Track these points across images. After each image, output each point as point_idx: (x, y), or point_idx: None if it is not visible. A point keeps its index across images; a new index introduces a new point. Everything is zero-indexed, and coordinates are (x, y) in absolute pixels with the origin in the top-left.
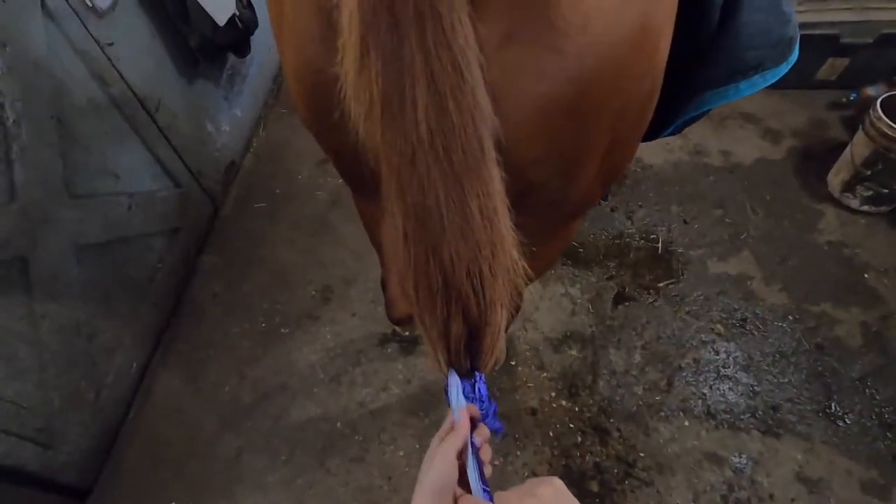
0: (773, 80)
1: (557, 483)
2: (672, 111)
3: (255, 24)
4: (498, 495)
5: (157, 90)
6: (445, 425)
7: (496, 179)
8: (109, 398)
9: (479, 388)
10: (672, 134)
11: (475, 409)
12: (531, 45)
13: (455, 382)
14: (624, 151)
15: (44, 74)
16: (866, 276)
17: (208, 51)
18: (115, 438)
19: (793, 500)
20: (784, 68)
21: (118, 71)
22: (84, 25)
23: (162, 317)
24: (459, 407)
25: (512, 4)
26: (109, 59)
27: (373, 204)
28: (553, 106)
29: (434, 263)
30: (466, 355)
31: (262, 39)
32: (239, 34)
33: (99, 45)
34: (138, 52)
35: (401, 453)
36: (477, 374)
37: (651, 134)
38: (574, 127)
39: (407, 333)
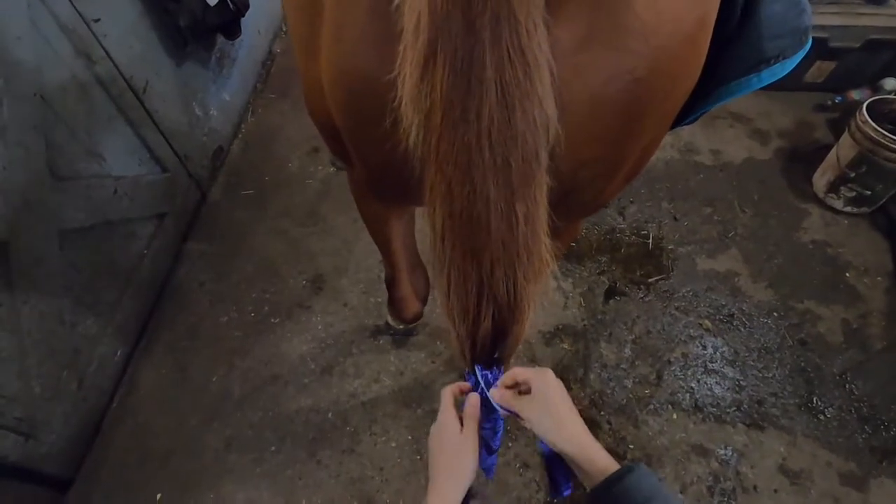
0: (791, 67)
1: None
2: (697, 101)
3: (247, 6)
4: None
5: (145, 70)
6: (460, 386)
7: (544, 187)
8: (92, 387)
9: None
10: (686, 124)
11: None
12: (606, 48)
13: (476, 374)
14: (654, 148)
15: (27, 51)
16: (848, 274)
17: (197, 31)
18: (98, 429)
19: (775, 490)
20: (800, 55)
21: (104, 49)
22: (69, 0)
23: (147, 305)
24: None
25: (588, 6)
26: (95, 35)
27: (386, 205)
28: (617, 107)
29: (473, 266)
30: (491, 350)
31: (253, 22)
32: (230, 15)
33: (84, 21)
34: (125, 29)
35: (393, 444)
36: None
37: (673, 124)
38: (630, 127)
39: (401, 327)
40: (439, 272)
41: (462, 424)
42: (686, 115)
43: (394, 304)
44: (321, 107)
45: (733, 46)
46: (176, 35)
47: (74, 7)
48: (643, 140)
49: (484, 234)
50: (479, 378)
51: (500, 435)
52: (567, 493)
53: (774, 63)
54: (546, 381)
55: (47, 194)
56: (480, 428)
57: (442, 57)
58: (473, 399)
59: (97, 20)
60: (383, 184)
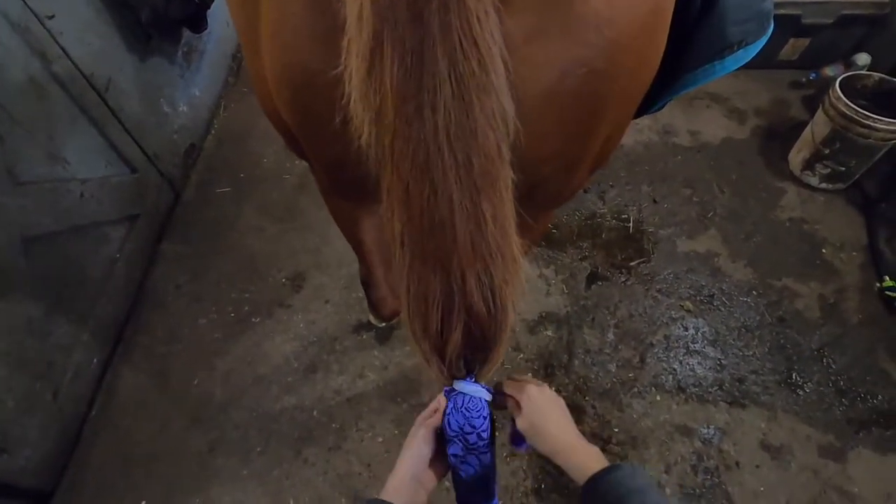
0: (755, 53)
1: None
2: (660, 91)
3: None
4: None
5: (106, 67)
6: (432, 406)
7: (509, 182)
8: (69, 397)
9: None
10: (653, 112)
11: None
12: (559, 40)
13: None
14: (618, 138)
15: None
16: (824, 251)
17: (161, 26)
18: (77, 439)
19: (757, 466)
20: (763, 40)
21: (61, 46)
22: None
23: (123, 309)
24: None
25: None
26: (50, 33)
27: (353, 203)
28: (574, 101)
29: (437, 274)
30: (465, 368)
31: (220, 14)
32: (194, 7)
33: (38, 19)
34: (82, 25)
35: (379, 440)
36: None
37: (636, 113)
38: (589, 120)
39: (384, 325)
40: (399, 283)
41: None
42: (651, 103)
43: (371, 303)
44: (270, 104)
45: (697, 33)
46: (137, 30)
47: (25, 3)
48: (605, 132)
49: (449, 238)
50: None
51: (480, 472)
52: (523, 448)
53: (738, 49)
54: (535, 401)
55: (8, 200)
56: (447, 446)
57: (389, 49)
58: (442, 400)
59: (51, 17)
60: (341, 183)
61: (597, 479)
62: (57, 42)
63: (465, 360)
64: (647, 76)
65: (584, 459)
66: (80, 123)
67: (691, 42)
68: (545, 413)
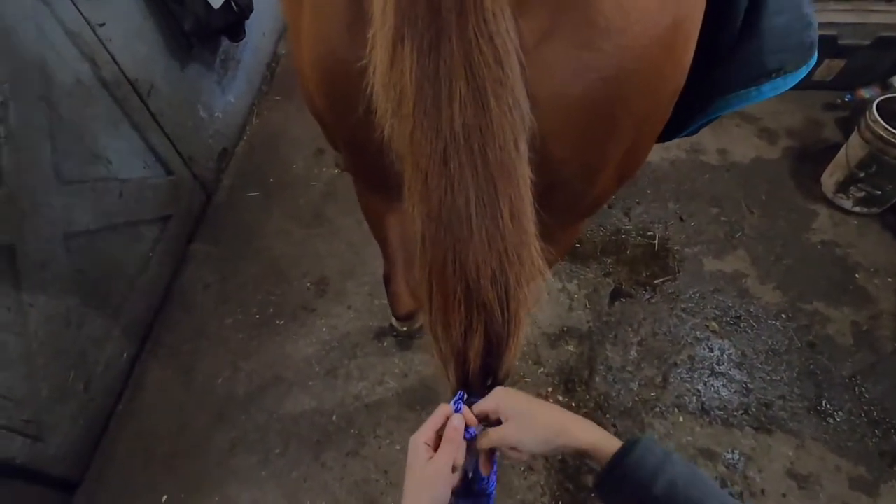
0: (794, 84)
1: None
2: (692, 113)
3: (251, 8)
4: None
5: (150, 73)
6: (431, 424)
7: (528, 179)
8: (99, 389)
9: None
10: (689, 135)
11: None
12: (570, 43)
13: (459, 397)
14: (642, 152)
15: (33, 55)
16: (857, 275)
17: (202, 34)
18: (104, 430)
19: (784, 495)
20: (804, 71)
21: (109, 53)
22: (75, 5)
23: (153, 306)
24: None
25: (554, 0)
26: (101, 40)
27: (382, 198)
28: (587, 105)
29: (456, 271)
30: (482, 372)
31: (257, 23)
32: (234, 17)
33: (90, 26)
34: (130, 33)
35: (397, 447)
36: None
37: (668, 134)
38: (603, 126)
39: (405, 329)
40: (421, 278)
41: (436, 448)
42: (685, 124)
43: (388, 297)
44: (307, 90)
45: (734, 56)
46: (180, 38)
47: (80, 11)
48: (622, 141)
49: (466, 231)
50: (455, 406)
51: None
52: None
53: (776, 77)
54: (509, 400)
55: (53, 198)
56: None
57: (409, 43)
58: (456, 420)
59: (102, 24)
60: (368, 174)
61: (615, 464)
62: (106, 48)
63: (484, 367)
64: (669, 89)
65: (584, 434)
66: (122, 126)
67: (727, 65)
68: (523, 402)
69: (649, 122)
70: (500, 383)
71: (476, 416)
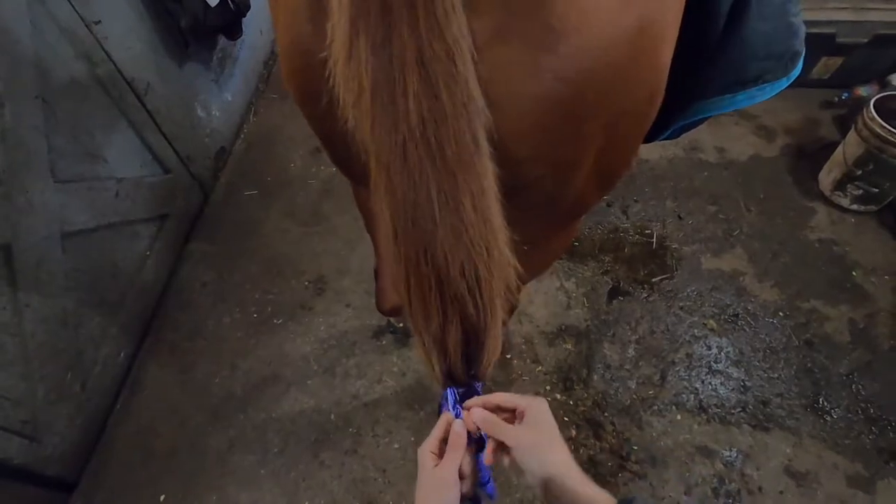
0: (773, 94)
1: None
2: (667, 117)
3: (248, 6)
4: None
5: (146, 72)
6: (436, 433)
7: (490, 174)
8: (96, 389)
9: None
10: (668, 138)
11: (471, 423)
12: (523, 43)
13: (451, 392)
14: (620, 155)
15: (28, 53)
16: (854, 273)
17: (199, 32)
18: (102, 430)
19: (781, 492)
20: (785, 82)
21: (105, 51)
22: (69, 2)
23: (150, 306)
24: (455, 417)
25: (506, 1)
26: (96, 37)
27: (367, 190)
28: (544, 106)
29: (426, 263)
30: (465, 362)
31: (254, 22)
32: (231, 15)
33: (85, 24)
34: (126, 31)
35: (396, 446)
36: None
37: (649, 136)
38: (567, 128)
39: (401, 325)
40: (396, 270)
41: (441, 455)
42: (663, 128)
43: (375, 292)
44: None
45: (716, 60)
46: (177, 36)
47: (75, 9)
48: (591, 142)
49: (431, 224)
50: (450, 402)
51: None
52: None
53: (753, 86)
54: (542, 409)
55: (49, 196)
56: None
57: (364, 37)
58: (457, 427)
59: (98, 22)
60: (345, 166)
61: None
62: (102, 46)
63: (465, 357)
64: (639, 92)
65: (583, 487)
66: (119, 124)
67: (706, 70)
68: (553, 426)
69: (622, 125)
70: (484, 374)
71: (501, 405)
